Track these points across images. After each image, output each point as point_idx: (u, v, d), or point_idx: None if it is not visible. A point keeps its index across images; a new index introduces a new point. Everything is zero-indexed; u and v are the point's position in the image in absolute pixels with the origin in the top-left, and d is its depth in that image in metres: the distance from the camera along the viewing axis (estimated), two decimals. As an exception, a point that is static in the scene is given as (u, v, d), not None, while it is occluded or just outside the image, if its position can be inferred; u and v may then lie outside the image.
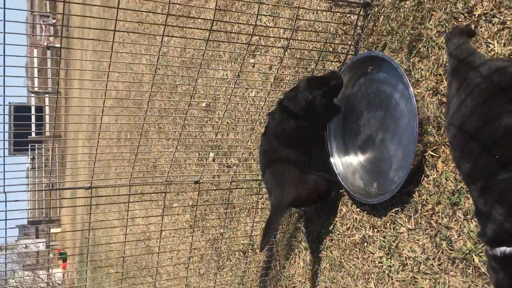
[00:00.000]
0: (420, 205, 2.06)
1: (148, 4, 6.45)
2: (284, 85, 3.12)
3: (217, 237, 3.74)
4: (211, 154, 4.05)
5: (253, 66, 3.55)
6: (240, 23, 3.74)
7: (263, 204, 3.28)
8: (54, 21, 19.33)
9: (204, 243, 4.05)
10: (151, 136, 5.81)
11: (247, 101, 3.64)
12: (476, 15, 1.84)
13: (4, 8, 1.80)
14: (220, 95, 4.08)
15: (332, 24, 2.59)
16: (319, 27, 2.77)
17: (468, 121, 1.48)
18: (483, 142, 1.43)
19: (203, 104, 4.33)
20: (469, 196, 1.85)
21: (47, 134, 19.07)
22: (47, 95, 19.85)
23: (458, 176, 1.90)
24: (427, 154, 2.04)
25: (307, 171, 2.51)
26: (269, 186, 2.54)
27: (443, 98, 1.98)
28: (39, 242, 18.65)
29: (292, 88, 2.53)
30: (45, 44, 18.74)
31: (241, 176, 3.47)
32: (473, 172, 1.48)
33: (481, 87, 1.46)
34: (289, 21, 3.07)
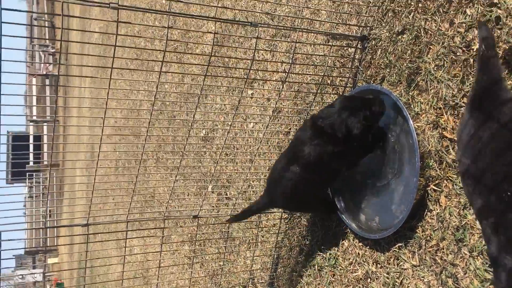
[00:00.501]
0: (424, 240, 2.02)
1: (146, 33, 6.50)
2: (282, 117, 3.10)
3: (217, 270, 3.66)
4: (210, 186, 4.00)
5: (251, 98, 3.54)
6: (237, 58, 3.75)
7: (263, 237, 3.23)
8: (53, 50, 19.52)
9: (203, 275, 3.97)
10: (149, 165, 5.77)
11: (246, 132, 3.62)
12: (475, 50, 1.83)
13: (1, 35, 1.78)
14: (218, 126, 4.06)
15: (329, 57, 2.59)
16: (316, 60, 2.77)
17: (483, 157, 1.43)
18: (497, 177, 1.39)
19: (201, 134, 4.30)
20: (474, 232, 1.81)
21: (45, 163, 19.00)
22: (45, 124, 19.87)
23: (462, 211, 1.87)
24: (429, 188, 2.00)
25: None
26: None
27: (444, 132, 1.96)
28: (36, 273, 18.35)
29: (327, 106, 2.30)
30: (44, 72, 18.86)
31: (241, 208, 3.42)
32: (485, 207, 1.43)
33: (507, 129, 1.41)
34: (286, 53, 3.08)
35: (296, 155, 2.26)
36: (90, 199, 2.44)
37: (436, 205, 1.98)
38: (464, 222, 1.85)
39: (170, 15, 1.92)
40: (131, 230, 2.69)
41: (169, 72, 5.10)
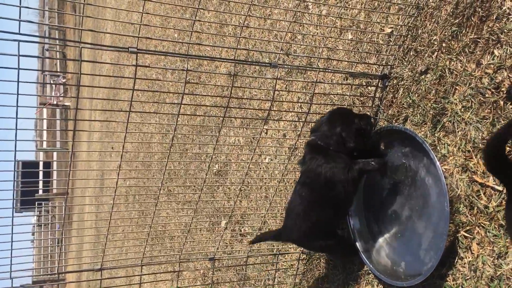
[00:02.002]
0: (455, 290, 1.91)
1: (157, 69, 6.52)
2: (299, 153, 3.03)
3: (231, 311, 3.54)
4: (223, 222, 3.92)
5: (266, 133, 3.49)
6: (254, 98, 3.72)
7: (279, 278, 3.12)
8: (63, 80, 19.77)
9: (217, 316, 3.84)
10: (161, 198, 5.70)
11: (260, 168, 3.56)
12: (505, 91, 1.77)
13: (18, 68, 1.76)
14: (232, 161, 4.00)
15: (348, 95, 2.54)
16: (335, 98, 2.72)
17: None
18: None
19: (214, 170, 4.24)
20: (510, 283, 1.71)
21: (54, 191, 19.01)
22: (55, 152, 19.98)
23: (496, 260, 1.77)
24: (460, 235, 1.91)
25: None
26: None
27: (474, 176, 1.88)
28: (43, 303, 18.07)
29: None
30: (55, 103, 19.06)
31: (256, 247, 3.32)
32: None
33: None
34: (302, 91, 3.03)
35: (304, 179, 2.26)
36: (99, 242, 2.36)
37: (467, 253, 1.88)
38: (500, 272, 1.75)
39: (189, 58, 1.89)
40: (145, 274, 2.60)
41: (181, 114, 5.07)
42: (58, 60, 24.74)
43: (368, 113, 2.46)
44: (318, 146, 2.20)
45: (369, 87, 2.48)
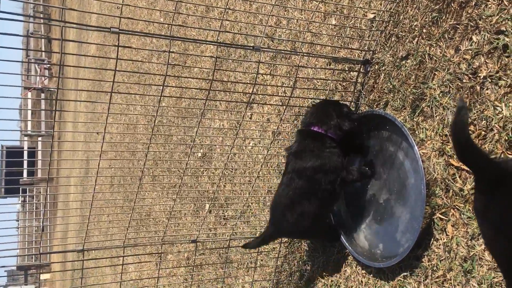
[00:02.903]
0: (430, 270, 1.96)
1: (143, 52, 6.48)
2: (283, 139, 3.06)
3: (214, 294, 3.58)
4: (207, 205, 3.94)
5: (250, 118, 3.50)
6: (238, 81, 3.72)
7: (262, 261, 3.16)
8: (49, 64, 19.46)
9: (200, 299, 3.88)
10: (145, 183, 5.70)
11: (244, 153, 3.58)
12: (481, 77, 1.80)
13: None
14: (217, 145, 4.01)
15: (331, 80, 2.56)
16: (318, 83, 2.74)
17: None
18: None
19: (199, 154, 4.25)
20: (483, 264, 1.77)
21: (39, 176, 18.85)
22: (40, 138, 19.76)
23: (470, 241, 1.82)
24: (435, 217, 1.96)
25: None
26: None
27: (450, 160, 1.92)
28: (28, 288, 18.06)
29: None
30: (40, 86, 18.79)
31: (239, 230, 3.36)
32: None
33: None
34: (286, 76, 3.05)
35: (294, 171, 2.24)
36: (84, 220, 2.37)
37: (442, 234, 1.93)
38: (472, 253, 1.80)
39: (172, 39, 1.88)
40: (127, 256, 2.62)
41: (166, 96, 5.06)
42: (43, 45, 24.33)
43: (350, 98, 2.49)
44: (313, 133, 2.22)
45: (351, 72, 2.50)
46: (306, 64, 2.86)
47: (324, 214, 2.38)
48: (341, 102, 2.33)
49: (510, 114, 1.69)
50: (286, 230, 2.42)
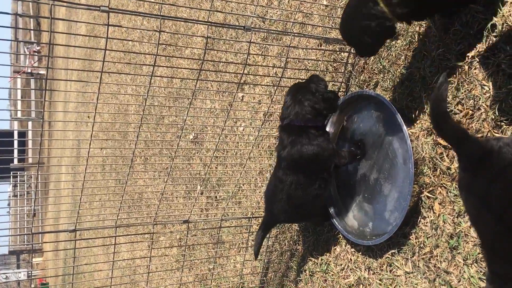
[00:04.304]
0: (417, 247, 2.01)
1: (134, 33, 6.42)
2: (274, 120, 3.07)
3: (206, 274, 3.63)
4: (199, 187, 3.96)
5: (242, 100, 3.51)
6: (229, 62, 3.71)
7: (253, 241, 3.19)
8: (38, 47, 19.18)
9: (192, 279, 3.93)
10: (137, 166, 5.70)
11: (236, 135, 3.59)
12: (470, 56, 1.82)
13: None
14: (208, 127, 4.02)
15: (322, 61, 2.56)
16: (309, 63, 2.75)
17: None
18: None
19: (191, 136, 4.26)
20: (468, 240, 1.81)
21: (30, 160, 18.73)
22: (30, 121, 19.58)
23: (456, 219, 1.86)
24: (423, 195, 2.00)
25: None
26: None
27: (438, 139, 1.95)
28: (20, 272, 18.07)
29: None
30: (29, 71, 18.55)
31: (231, 211, 3.39)
32: None
33: None
34: (277, 56, 3.05)
35: (284, 160, 2.25)
36: (76, 203, 2.38)
37: (430, 212, 1.97)
38: (458, 230, 1.84)
39: (162, 18, 1.88)
40: (119, 236, 2.64)
41: (157, 76, 5.03)
42: (32, 24, 23.91)
43: (340, 79, 2.50)
44: (296, 127, 2.20)
45: (342, 53, 2.51)
46: (297, 45, 2.86)
47: (319, 201, 2.40)
48: (314, 79, 2.23)
49: (496, 92, 1.71)
50: (280, 218, 2.46)
